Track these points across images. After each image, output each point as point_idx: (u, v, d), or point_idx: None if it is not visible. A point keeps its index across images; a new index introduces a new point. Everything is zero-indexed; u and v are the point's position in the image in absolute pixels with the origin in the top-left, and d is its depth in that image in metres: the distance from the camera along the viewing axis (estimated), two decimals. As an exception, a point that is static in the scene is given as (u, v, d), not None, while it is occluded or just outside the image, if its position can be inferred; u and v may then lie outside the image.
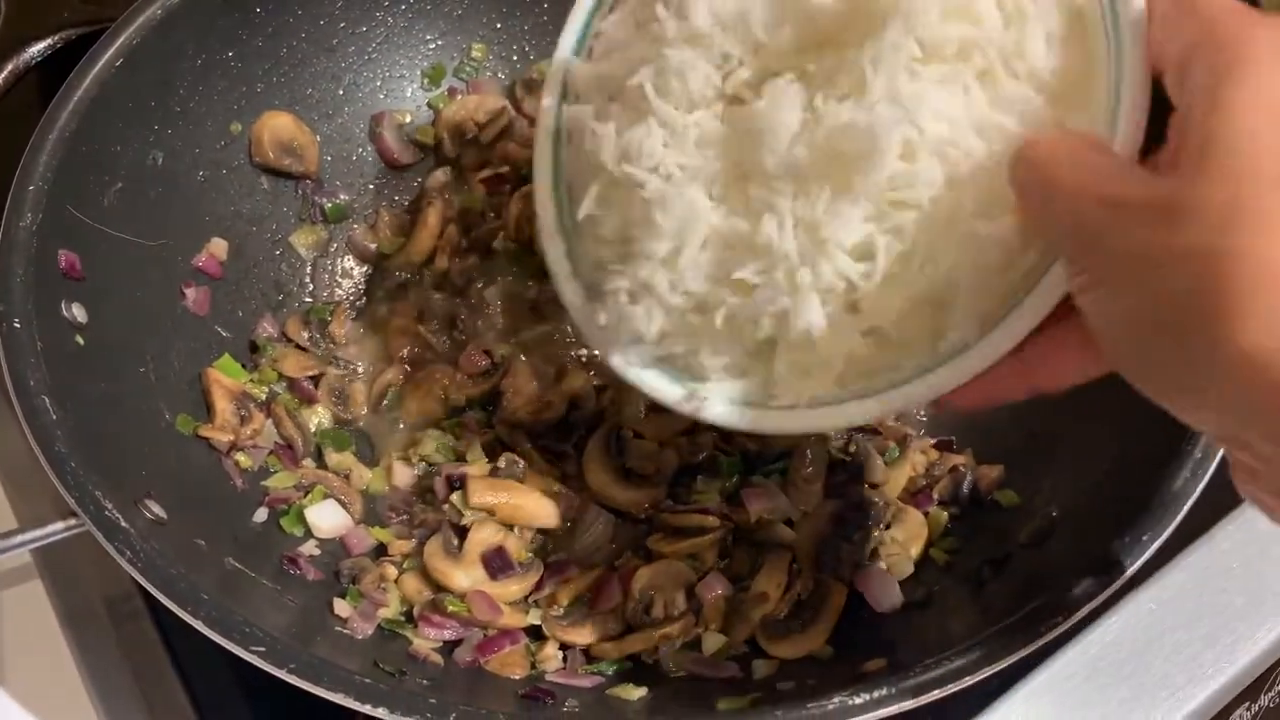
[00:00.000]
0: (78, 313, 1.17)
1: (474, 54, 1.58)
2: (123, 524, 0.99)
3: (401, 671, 1.04)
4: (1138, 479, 1.05)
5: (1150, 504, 1.00)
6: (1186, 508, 0.99)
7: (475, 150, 1.53)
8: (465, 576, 1.16)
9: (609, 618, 1.17)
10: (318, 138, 1.50)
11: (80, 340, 1.16)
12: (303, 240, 1.47)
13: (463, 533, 1.20)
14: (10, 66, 1.48)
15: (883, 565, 1.19)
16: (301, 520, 1.22)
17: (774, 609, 1.16)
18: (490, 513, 1.20)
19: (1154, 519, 0.99)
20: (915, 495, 1.25)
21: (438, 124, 1.55)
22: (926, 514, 1.23)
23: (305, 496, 1.24)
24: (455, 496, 1.22)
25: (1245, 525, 1.28)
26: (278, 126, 1.45)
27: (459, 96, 1.56)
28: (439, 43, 1.58)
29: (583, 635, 1.15)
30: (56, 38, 1.51)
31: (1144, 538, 0.98)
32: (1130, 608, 1.19)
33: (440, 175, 1.54)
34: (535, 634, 1.17)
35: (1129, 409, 1.14)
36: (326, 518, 1.22)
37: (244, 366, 1.33)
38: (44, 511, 1.08)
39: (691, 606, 1.18)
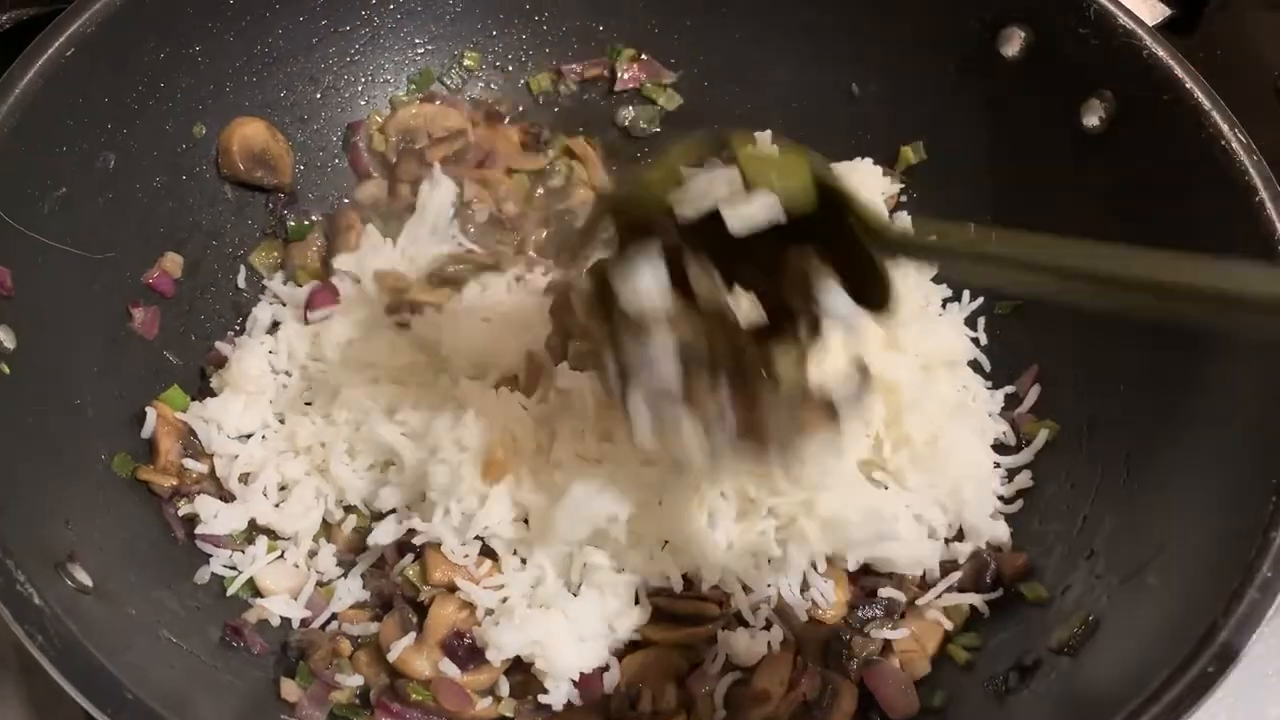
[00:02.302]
0: (3, 336, 1.03)
1: (466, 62, 1.46)
2: (36, 601, 0.85)
3: (356, 770, 0.92)
4: (1195, 590, 0.94)
5: (1213, 627, 0.89)
6: (1258, 631, 0.88)
7: (415, 163, 1.39)
8: (427, 663, 1.03)
9: (589, 713, 1.05)
10: (291, 146, 1.37)
11: (4, 368, 1.02)
12: (262, 259, 1.33)
13: (421, 609, 1.07)
14: (-49, 48, 1.33)
15: (896, 663, 1.08)
16: (249, 582, 1.09)
17: (776, 709, 1.04)
18: (451, 589, 1.06)
19: (1217, 644, 0.88)
20: None
21: (387, 122, 1.41)
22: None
23: (251, 547, 1.11)
24: (410, 569, 1.08)
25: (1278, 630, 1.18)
26: (249, 135, 1.31)
27: (435, 103, 1.43)
28: (429, 47, 1.45)
29: None
30: (4, 18, 1.36)
31: (1211, 670, 0.86)
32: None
33: (371, 189, 1.40)
34: (509, 724, 1.05)
35: (1181, 504, 1.06)
36: (278, 580, 1.09)
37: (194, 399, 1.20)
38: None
39: (682, 700, 1.06)
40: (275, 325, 1.28)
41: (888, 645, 1.09)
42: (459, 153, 1.41)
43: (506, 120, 1.45)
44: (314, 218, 1.37)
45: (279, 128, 1.36)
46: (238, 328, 1.29)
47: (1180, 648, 0.88)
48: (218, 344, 1.26)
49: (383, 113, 1.43)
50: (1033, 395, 1.27)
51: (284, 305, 1.29)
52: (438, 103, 1.44)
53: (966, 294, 1.35)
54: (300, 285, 1.30)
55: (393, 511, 1.13)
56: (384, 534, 1.11)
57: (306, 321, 1.24)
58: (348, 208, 1.37)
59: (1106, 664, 0.97)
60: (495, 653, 1.03)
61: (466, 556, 1.07)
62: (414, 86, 1.45)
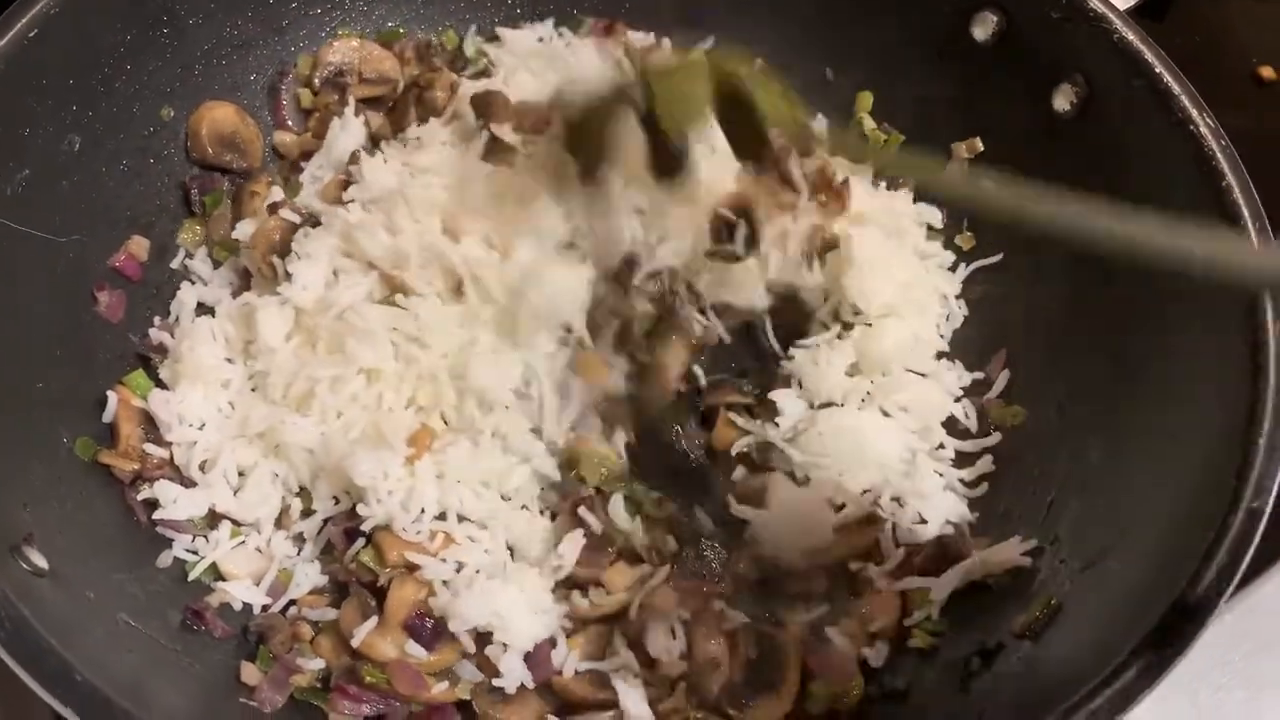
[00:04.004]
0: (-37, 319, 1.02)
1: (446, 43, 1.45)
2: (-12, 583, 0.85)
3: (315, 756, 0.92)
4: (1154, 574, 0.94)
5: (1170, 611, 0.89)
6: (1211, 618, 0.88)
7: (335, 95, 1.36)
8: (391, 646, 1.03)
9: (545, 693, 1.05)
10: (261, 129, 1.36)
11: (-36, 350, 1.02)
12: (187, 237, 1.30)
13: (380, 591, 1.07)
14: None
15: (838, 640, 1.08)
16: (211, 566, 1.09)
17: (730, 674, 1.05)
18: (410, 568, 1.06)
19: (1173, 630, 0.88)
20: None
21: (318, 54, 1.37)
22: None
23: (214, 532, 1.11)
24: (365, 554, 1.08)
25: (1245, 616, 1.19)
26: (218, 119, 1.30)
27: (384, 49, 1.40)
28: (401, 30, 1.44)
29: (519, 713, 1.03)
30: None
31: (1167, 651, 0.86)
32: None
33: (284, 138, 1.37)
34: (468, 709, 1.05)
35: (1136, 490, 1.06)
36: (240, 564, 1.08)
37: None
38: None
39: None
40: (201, 306, 1.26)
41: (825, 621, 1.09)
42: (379, 100, 1.38)
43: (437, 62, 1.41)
44: (225, 187, 1.33)
45: (249, 111, 1.35)
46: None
47: (1138, 630, 0.88)
48: (150, 330, 1.23)
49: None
50: (1002, 380, 1.26)
51: (205, 285, 1.27)
52: (392, 50, 1.40)
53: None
54: (220, 262, 1.29)
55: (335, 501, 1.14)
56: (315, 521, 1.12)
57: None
58: (254, 173, 1.34)
59: (1067, 647, 0.97)
60: (458, 623, 1.03)
61: (419, 534, 1.07)
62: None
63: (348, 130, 1.32)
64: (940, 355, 1.29)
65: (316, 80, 1.38)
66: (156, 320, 1.24)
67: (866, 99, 1.43)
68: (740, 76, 1.04)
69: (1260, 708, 1.15)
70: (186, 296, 1.25)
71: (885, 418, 1.20)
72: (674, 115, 1.02)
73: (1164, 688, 1.07)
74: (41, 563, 0.92)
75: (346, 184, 1.25)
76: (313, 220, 1.24)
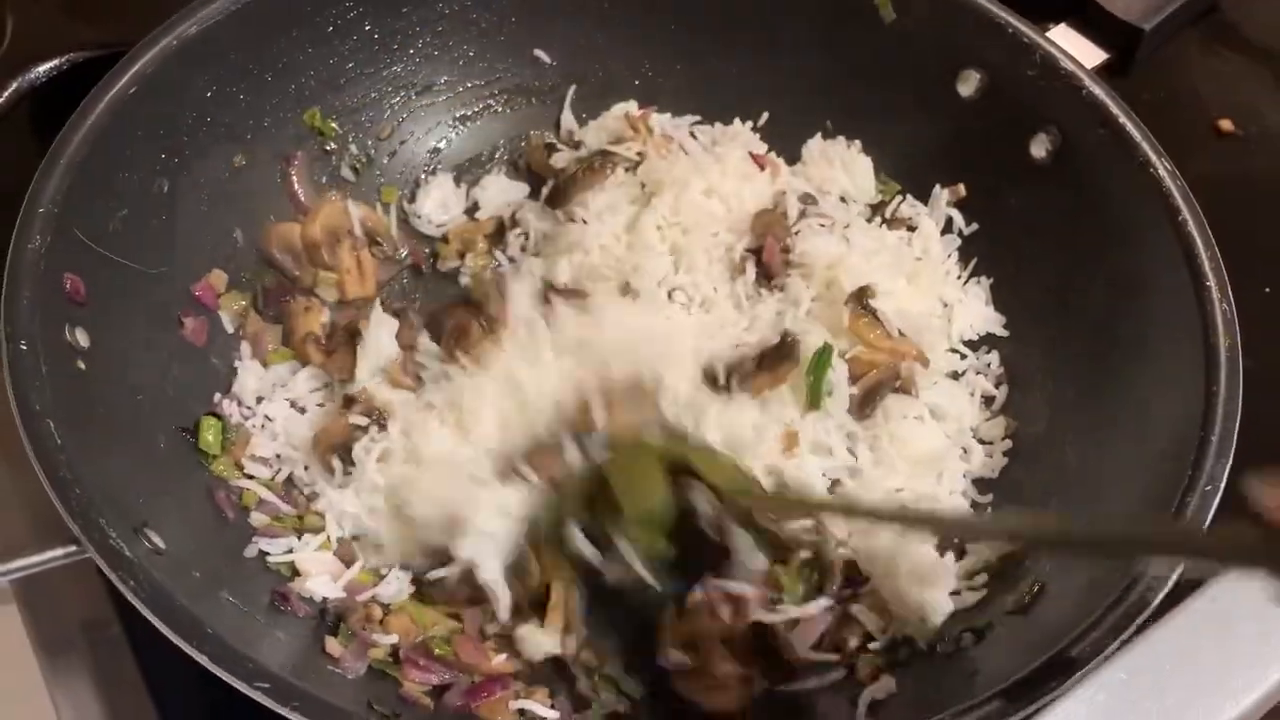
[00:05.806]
0: (80, 337, 1.16)
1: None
2: (126, 553, 0.98)
3: (396, 714, 1.04)
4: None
5: (1134, 580, 1.03)
6: (1169, 587, 1.03)
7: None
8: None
9: None
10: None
11: (81, 365, 1.15)
12: (231, 304, 1.38)
13: None
14: (14, 85, 1.46)
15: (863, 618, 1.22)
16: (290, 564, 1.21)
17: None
18: None
19: (1135, 593, 1.02)
20: None
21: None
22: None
23: (299, 539, 1.23)
24: None
25: (1214, 601, 1.31)
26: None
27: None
28: (461, 86, 1.60)
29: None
30: (63, 59, 1.49)
31: (1134, 610, 1.00)
32: (1102, 678, 1.21)
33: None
34: (525, 680, 1.17)
35: (1107, 490, 1.20)
36: (315, 564, 1.21)
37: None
38: (20, 539, 1.06)
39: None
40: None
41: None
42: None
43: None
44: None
45: (310, 160, 1.51)
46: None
47: (1110, 595, 1.03)
48: (218, 396, 1.32)
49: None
50: (1002, 394, 1.40)
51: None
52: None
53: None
54: (266, 367, 1.35)
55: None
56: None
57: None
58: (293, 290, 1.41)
59: (1052, 616, 1.11)
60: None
61: None
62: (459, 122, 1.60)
63: (381, 329, 1.35)
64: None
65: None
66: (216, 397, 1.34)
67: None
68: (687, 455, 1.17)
69: (1228, 684, 1.26)
70: (248, 380, 1.33)
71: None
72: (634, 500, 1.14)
73: (1140, 663, 1.22)
74: (160, 543, 1.06)
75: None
76: (379, 419, 1.28)
